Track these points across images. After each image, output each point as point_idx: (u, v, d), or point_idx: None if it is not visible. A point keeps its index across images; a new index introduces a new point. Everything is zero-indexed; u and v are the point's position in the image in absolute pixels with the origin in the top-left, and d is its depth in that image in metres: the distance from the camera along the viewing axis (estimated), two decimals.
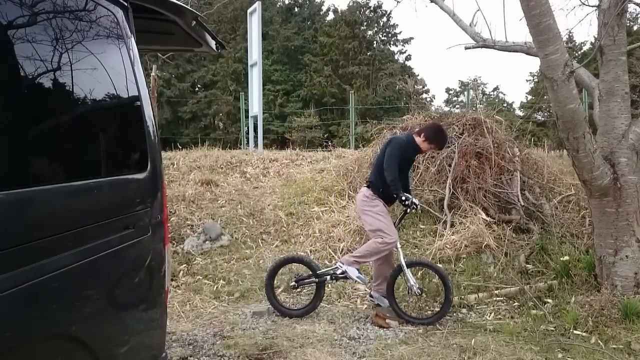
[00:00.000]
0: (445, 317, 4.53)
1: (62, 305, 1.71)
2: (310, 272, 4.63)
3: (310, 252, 5.98)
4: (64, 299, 1.72)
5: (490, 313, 4.58)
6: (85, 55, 1.95)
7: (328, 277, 4.57)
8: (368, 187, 4.59)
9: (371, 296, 4.78)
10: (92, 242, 1.88)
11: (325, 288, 4.78)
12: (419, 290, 4.45)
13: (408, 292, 4.54)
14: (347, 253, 5.85)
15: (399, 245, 4.51)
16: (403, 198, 4.34)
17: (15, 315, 1.48)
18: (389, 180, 4.37)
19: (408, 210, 4.50)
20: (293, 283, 4.69)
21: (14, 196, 1.50)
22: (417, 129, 4.82)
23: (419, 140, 4.55)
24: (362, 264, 4.65)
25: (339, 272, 4.51)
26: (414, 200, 4.44)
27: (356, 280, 4.58)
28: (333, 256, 5.80)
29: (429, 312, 4.61)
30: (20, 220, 1.53)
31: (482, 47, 6.18)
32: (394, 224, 4.57)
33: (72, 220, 1.79)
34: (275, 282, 4.76)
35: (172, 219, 6.58)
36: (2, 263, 1.43)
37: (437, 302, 4.73)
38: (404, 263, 4.42)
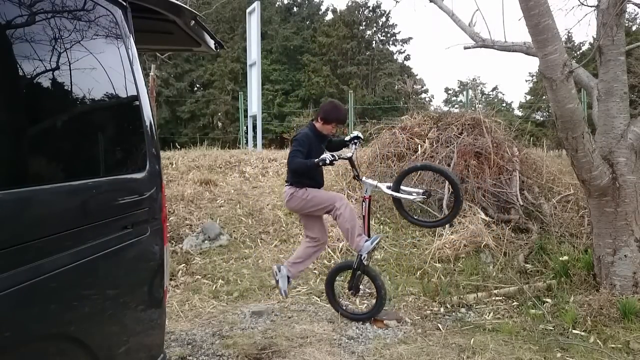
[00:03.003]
0: (445, 317, 4.53)
1: (61, 305, 1.70)
2: (351, 271, 4.47)
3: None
4: (62, 299, 1.72)
5: (489, 312, 4.58)
6: (84, 54, 1.95)
7: (363, 261, 4.34)
8: (291, 184, 4.35)
9: (278, 269, 4.45)
10: (90, 242, 1.88)
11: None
12: (424, 196, 4.16)
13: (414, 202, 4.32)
14: (345, 253, 5.87)
15: (376, 182, 4.28)
16: (327, 161, 3.99)
17: (13, 315, 1.48)
18: (296, 168, 4.17)
19: (334, 160, 4.04)
20: (350, 293, 4.58)
21: (12, 196, 1.50)
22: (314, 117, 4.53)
23: (319, 125, 4.36)
24: (360, 234, 4.28)
25: (362, 257, 4.33)
26: (330, 155, 4.08)
27: (377, 245, 4.39)
28: (332, 255, 5.81)
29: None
30: (18, 220, 1.53)
31: (481, 47, 6.18)
32: (357, 176, 4.34)
33: (70, 220, 1.78)
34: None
35: (170, 218, 6.58)
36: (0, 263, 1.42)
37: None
38: (390, 191, 4.17)
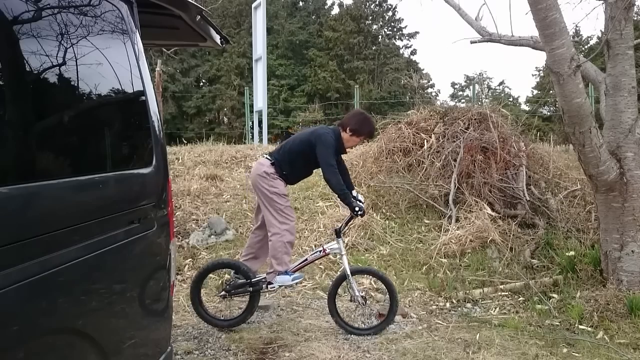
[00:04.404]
0: (450, 312, 4.53)
1: (68, 299, 1.72)
2: (244, 280, 4.10)
3: (315, 246, 5.98)
4: (70, 293, 1.73)
5: (495, 308, 4.58)
6: (90, 50, 1.96)
7: (263, 286, 4.09)
8: (272, 163, 4.00)
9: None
10: (97, 236, 1.89)
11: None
12: (362, 300, 4.06)
13: (351, 300, 4.16)
14: (352, 248, 5.87)
15: (343, 252, 4.08)
16: (357, 209, 3.88)
17: (21, 308, 1.49)
18: (338, 191, 3.90)
19: (356, 215, 3.99)
20: (223, 292, 4.21)
21: (20, 190, 1.51)
22: (339, 123, 4.21)
23: (345, 136, 4.04)
24: (285, 267, 4.03)
25: (271, 287, 4.10)
26: (362, 204, 4.01)
27: (294, 284, 4.16)
28: None
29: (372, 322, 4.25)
30: (26, 215, 1.54)
31: (487, 41, 6.14)
32: (339, 229, 4.12)
33: (77, 215, 1.80)
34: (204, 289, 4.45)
35: (177, 213, 6.60)
36: (8, 257, 1.44)
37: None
38: (348, 271, 4.01)
